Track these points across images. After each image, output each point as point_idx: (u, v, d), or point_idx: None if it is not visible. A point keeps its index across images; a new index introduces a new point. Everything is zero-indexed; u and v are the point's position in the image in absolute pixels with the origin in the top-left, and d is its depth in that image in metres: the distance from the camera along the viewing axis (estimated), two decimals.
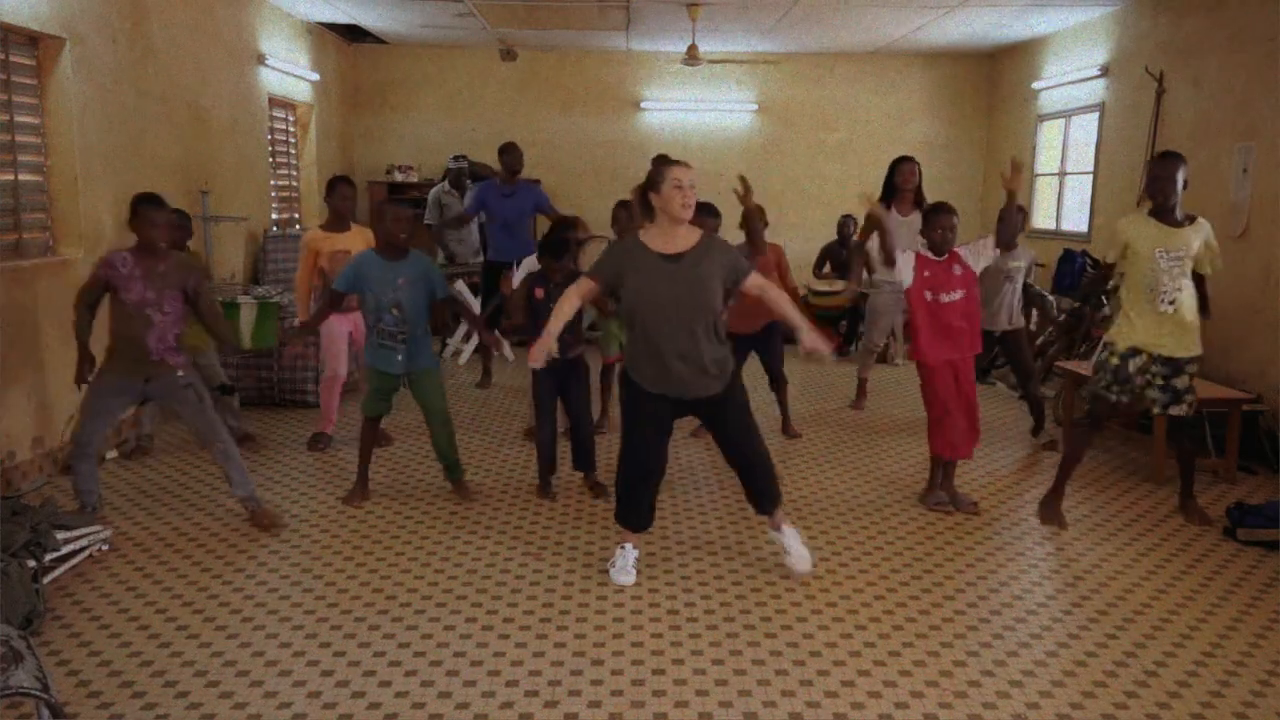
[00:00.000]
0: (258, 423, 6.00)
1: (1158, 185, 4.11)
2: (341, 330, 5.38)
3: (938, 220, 4.43)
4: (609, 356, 5.80)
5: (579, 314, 4.62)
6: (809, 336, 3.59)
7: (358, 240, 5.32)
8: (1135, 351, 4.20)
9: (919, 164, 6.27)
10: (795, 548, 3.79)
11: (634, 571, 3.75)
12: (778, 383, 5.86)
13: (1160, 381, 4.22)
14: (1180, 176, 4.07)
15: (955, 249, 4.45)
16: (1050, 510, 4.46)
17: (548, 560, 3.93)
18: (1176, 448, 4.54)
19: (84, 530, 3.80)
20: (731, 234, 4.86)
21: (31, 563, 3.35)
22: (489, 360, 7.42)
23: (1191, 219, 4.15)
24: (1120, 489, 4.97)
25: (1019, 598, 3.64)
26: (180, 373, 4.08)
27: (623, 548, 3.81)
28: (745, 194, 4.55)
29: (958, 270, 4.42)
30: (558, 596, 3.59)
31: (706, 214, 5.65)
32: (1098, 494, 4.90)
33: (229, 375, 5.70)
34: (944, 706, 2.87)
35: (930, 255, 4.44)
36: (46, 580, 3.46)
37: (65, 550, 3.63)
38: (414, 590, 3.62)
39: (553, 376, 4.60)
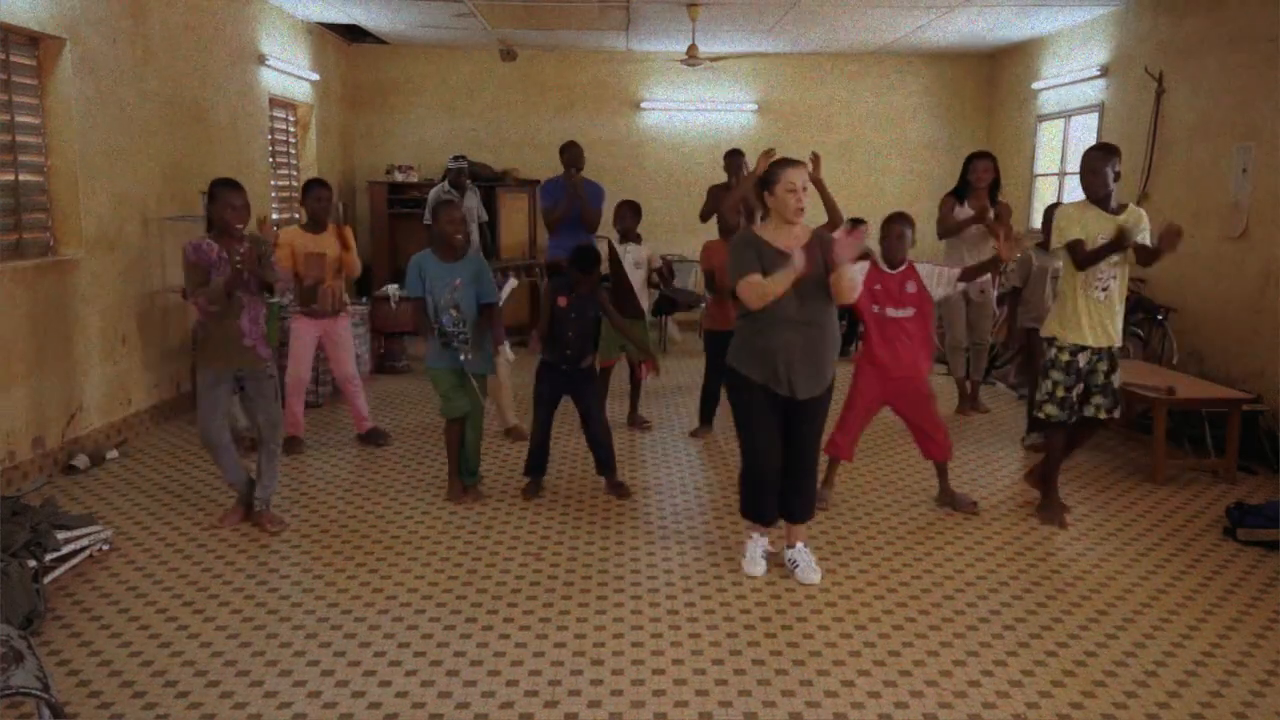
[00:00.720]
0: None
1: (1090, 178, 4.12)
2: (310, 334, 5.35)
3: (888, 229, 4.30)
4: (607, 360, 5.81)
5: (599, 325, 4.63)
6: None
7: (332, 241, 5.30)
8: (1081, 347, 4.23)
9: (995, 160, 6.12)
10: (805, 562, 3.79)
11: (764, 562, 3.82)
12: None
13: (1101, 380, 4.25)
14: (1110, 169, 4.08)
15: (915, 266, 4.32)
16: (1049, 512, 4.47)
17: (548, 560, 3.93)
18: (1081, 435, 4.49)
19: (84, 530, 3.80)
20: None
21: (32, 563, 3.36)
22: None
23: (1124, 206, 4.17)
24: (1120, 489, 4.97)
25: (1019, 597, 3.64)
26: (267, 364, 4.18)
27: (752, 538, 3.86)
28: (815, 168, 4.34)
29: (911, 288, 4.30)
30: (558, 596, 3.59)
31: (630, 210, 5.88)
32: (1098, 494, 4.90)
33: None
34: (944, 706, 2.87)
35: (883, 267, 4.32)
36: (46, 580, 3.46)
37: (65, 550, 3.63)
38: (414, 590, 3.62)
39: (556, 381, 4.59)
